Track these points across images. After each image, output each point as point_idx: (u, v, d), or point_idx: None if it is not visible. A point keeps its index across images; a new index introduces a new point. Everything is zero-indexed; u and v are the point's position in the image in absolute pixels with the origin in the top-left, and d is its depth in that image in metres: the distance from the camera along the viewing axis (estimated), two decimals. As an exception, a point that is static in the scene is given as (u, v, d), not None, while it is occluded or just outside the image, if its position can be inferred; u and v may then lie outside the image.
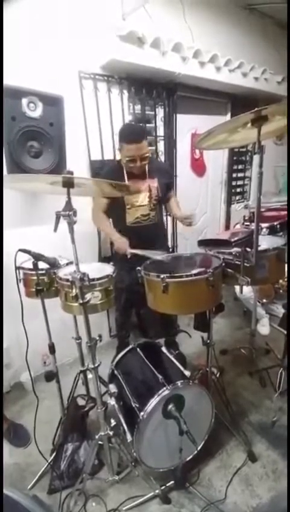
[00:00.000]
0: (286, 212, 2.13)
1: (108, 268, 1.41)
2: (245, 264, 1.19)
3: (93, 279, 1.25)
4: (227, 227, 3.50)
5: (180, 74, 2.31)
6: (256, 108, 1.01)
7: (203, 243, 1.18)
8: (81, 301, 1.05)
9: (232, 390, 2.00)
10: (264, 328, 2.64)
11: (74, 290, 1.23)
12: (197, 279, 1.12)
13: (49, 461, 1.54)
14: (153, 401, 1.27)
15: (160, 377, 1.35)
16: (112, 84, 2.14)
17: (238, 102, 3.08)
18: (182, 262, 1.43)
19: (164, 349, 1.68)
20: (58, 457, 1.56)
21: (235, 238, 1.03)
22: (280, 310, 2.78)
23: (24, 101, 1.57)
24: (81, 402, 1.75)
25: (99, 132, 2.15)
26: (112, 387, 1.56)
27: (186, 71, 2.33)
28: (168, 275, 1.13)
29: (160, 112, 2.57)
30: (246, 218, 1.25)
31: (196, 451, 1.40)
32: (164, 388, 1.29)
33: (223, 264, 1.25)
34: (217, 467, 1.55)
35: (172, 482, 1.43)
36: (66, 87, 1.89)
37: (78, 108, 2.03)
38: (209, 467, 1.55)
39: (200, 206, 3.23)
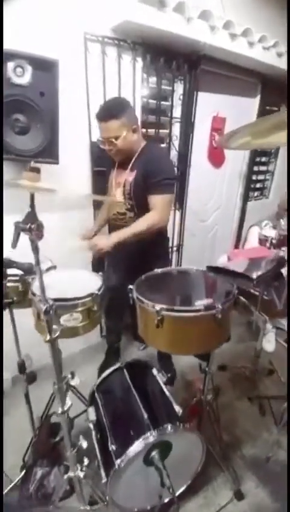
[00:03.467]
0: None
1: (95, 282, 1.17)
2: (264, 296, 0.94)
3: (73, 299, 1.03)
4: (241, 227, 3.19)
5: (206, 45, 1.95)
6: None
7: (214, 270, 0.93)
8: (48, 337, 0.81)
9: (228, 415, 1.81)
10: (269, 344, 2.41)
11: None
12: (202, 316, 0.88)
13: (15, 481, 1.42)
14: (133, 448, 1.07)
15: (145, 416, 1.14)
16: (123, 49, 1.80)
17: (269, 84, 2.70)
18: (185, 283, 1.18)
19: (155, 371, 1.47)
20: (27, 478, 1.43)
21: (259, 273, 0.77)
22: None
23: (10, 64, 1.27)
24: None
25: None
26: (91, 413, 1.37)
27: (215, 42, 1.97)
28: (164, 306, 0.89)
29: (179, 88, 2.22)
30: (274, 241, 0.98)
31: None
32: (149, 433, 1.08)
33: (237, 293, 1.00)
34: (200, 505, 1.40)
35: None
36: (64, 50, 1.57)
37: (79, 77, 1.72)
38: (191, 504, 1.40)
39: (214, 200, 2.92)
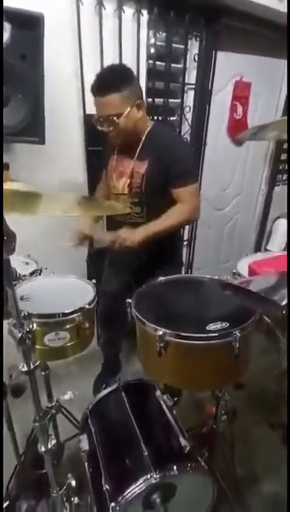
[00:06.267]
0: None
1: (86, 292, 1.12)
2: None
3: (59, 315, 0.98)
4: (265, 216, 3.08)
5: (228, -7, 1.81)
6: None
7: (231, 288, 0.85)
8: (25, 368, 0.76)
9: (245, 445, 1.76)
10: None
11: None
12: (215, 345, 0.82)
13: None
14: (131, 492, 1.03)
15: (146, 452, 1.10)
16: (124, 0, 1.68)
17: (304, 41, 2.53)
18: (195, 297, 1.11)
19: (158, 393, 1.42)
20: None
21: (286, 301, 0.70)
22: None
23: (-17, 21, 1.17)
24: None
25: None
26: (84, 442, 1.33)
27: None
28: (168, 331, 0.83)
29: (193, 47, 2.08)
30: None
31: None
32: (150, 475, 1.03)
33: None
34: None
35: None
36: (51, 1, 1.46)
37: (70, 34, 1.59)
38: None
39: (234, 184, 2.80)
